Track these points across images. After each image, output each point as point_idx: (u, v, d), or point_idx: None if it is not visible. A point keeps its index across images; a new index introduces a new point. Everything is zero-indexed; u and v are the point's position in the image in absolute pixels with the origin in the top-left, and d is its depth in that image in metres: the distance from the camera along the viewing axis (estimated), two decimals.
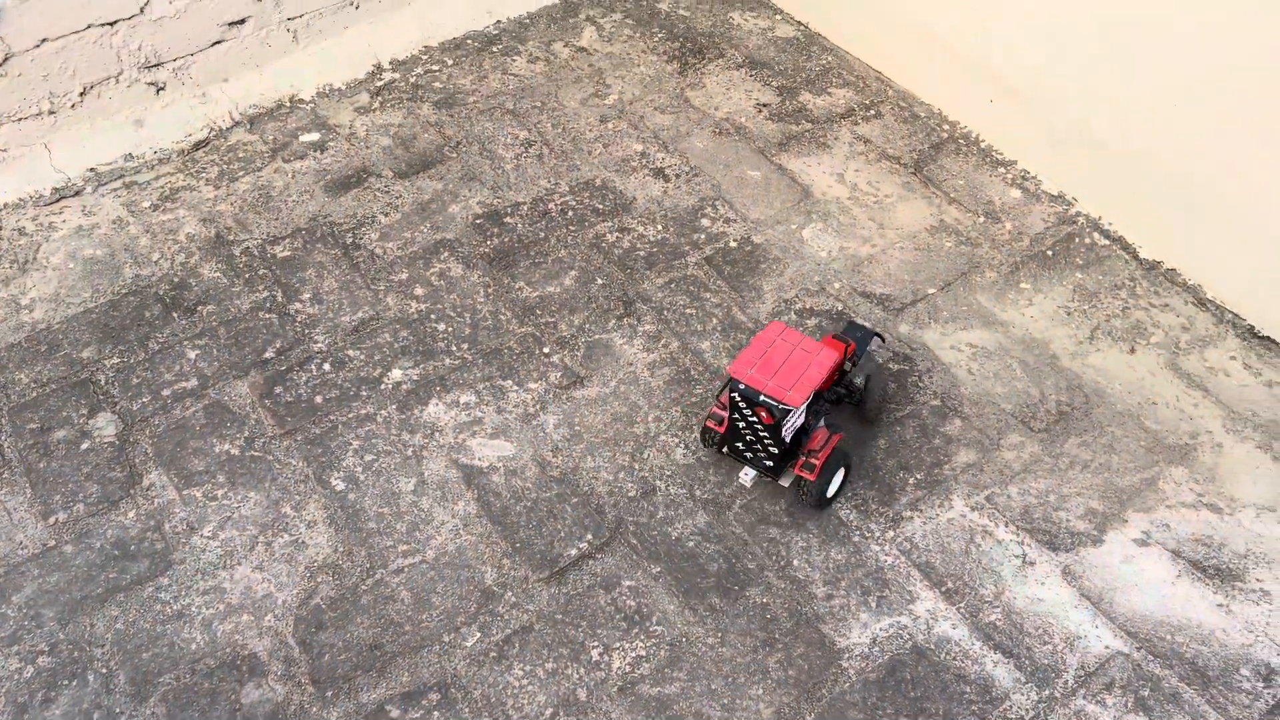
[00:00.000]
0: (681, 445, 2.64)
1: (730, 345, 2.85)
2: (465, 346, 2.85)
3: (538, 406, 2.72)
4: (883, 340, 2.69)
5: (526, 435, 2.66)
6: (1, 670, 2.23)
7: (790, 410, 2.26)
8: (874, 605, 2.35)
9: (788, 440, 2.34)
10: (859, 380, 2.54)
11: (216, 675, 2.24)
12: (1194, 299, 2.95)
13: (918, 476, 2.57)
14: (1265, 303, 2.83)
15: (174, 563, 2.41)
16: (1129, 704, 2.18)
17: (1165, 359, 2.81)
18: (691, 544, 2.46)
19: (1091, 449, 2.62)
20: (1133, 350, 2.83)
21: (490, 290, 2.99)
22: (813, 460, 2.35)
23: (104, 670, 2.24)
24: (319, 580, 2.39)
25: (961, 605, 2.34)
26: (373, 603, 2.35)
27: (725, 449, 2.47)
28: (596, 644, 2.29)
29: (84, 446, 2.62)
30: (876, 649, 2.27)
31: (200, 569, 2.40)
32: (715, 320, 2.92)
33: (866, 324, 2.82)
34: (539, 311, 2.94)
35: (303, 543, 2.45)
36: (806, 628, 2.31)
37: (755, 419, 2.31)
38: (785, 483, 2.46)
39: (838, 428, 2.48)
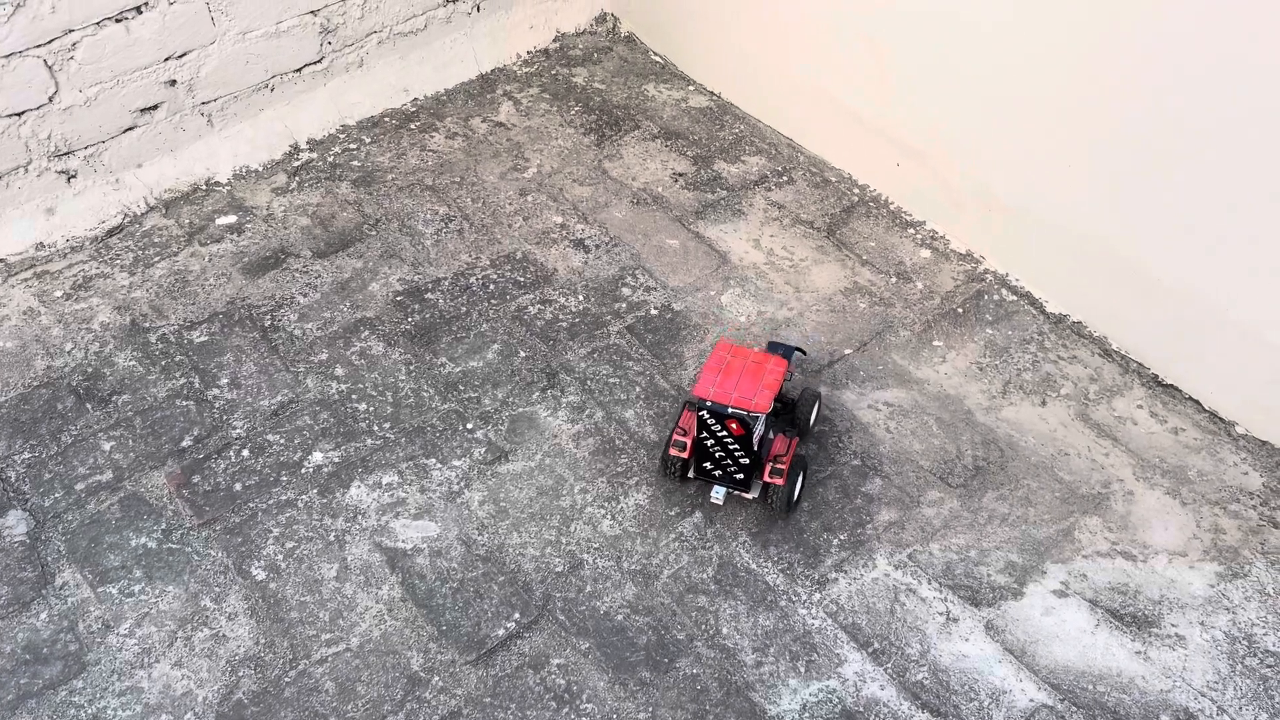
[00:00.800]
0: (608, 516, 2.64)
1: (654, 413, 2.87)
2: (387, 425, 2.83)
3: (462, 484, 2.71)
4: (804, 354, 2.86)
5: (451, 514, 2.65)
6: None
7: (760, 416, 2.40)
8: (803, 670, 2.36)
9: (757, 448, 2.47)
10: (794, 395, 2.74)
11: None
12: (1100, 350, 3.04)
13: (841, 537, 2.60)
14: (1167, 352, 2.93)
15: (89, 664, 2.34)
16: None
17: (1075, 410, 2.89)
18: (620, 617, 2.45)
19: (1008, 502, 2.67)
20: (1044, 403, 2.90)
21: (412, 367, 2.98)
22: (779, 465, 2.48)
23: None
24: (241, 674, 2.34)
25: (889, 665, 2.36)
26: (296, 695, 2.31)
27: (692, 474, 2.59)
28: None
29: None
30: (807, 715, 2.28)
31: (116, 669, 2.34)
32: (639, 388, 2.94)
33: (787, 341, 3.01)
34: (462, 387, 2.94)
35: (223, 636, 2.40)
36: (737, 697, 2.31)
37: (725, 433, 2.44)
38: (754, 494, 2.57)
39: (793, 433, 2.64)
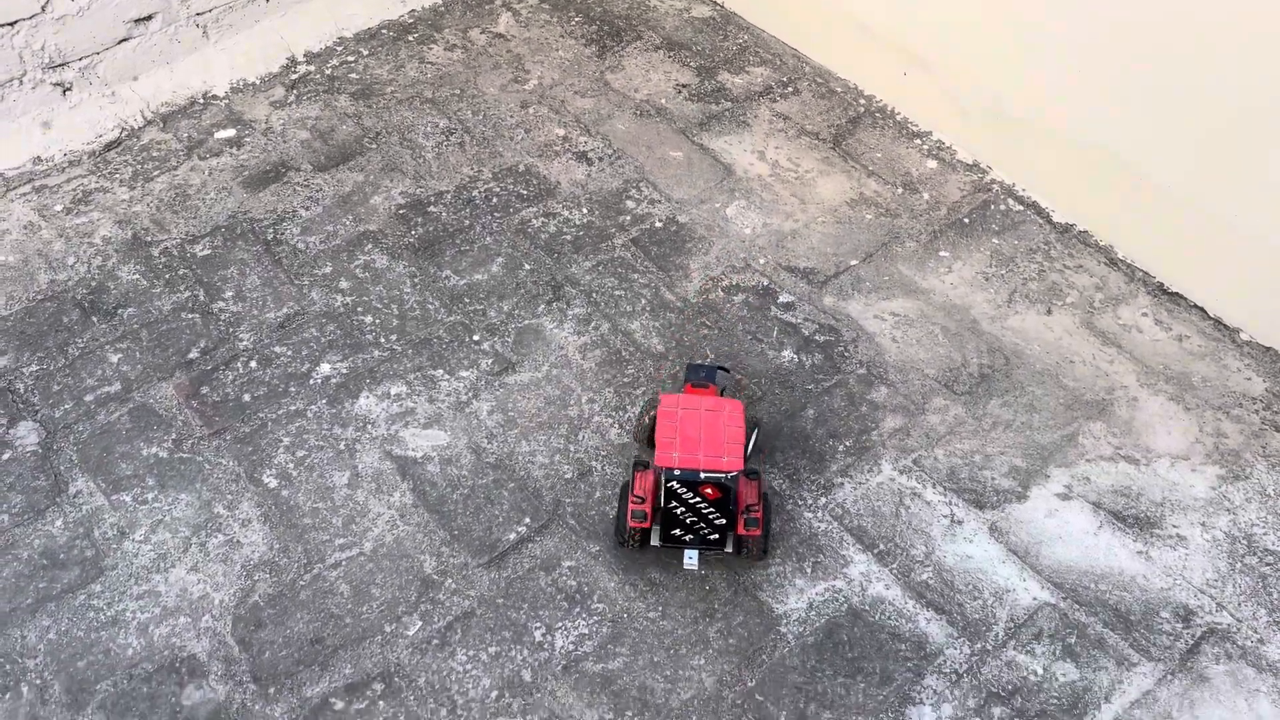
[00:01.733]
0: (615, 425, 2.66)
1: (660, 324, 2.87)
2: (394, 338, 2.84)
3: (470, 394, 2.72)
4: (727, 371, 2.56)
5: (460, 423, 2.66)
6: None
7: (736, 475, 2.20)
8: (809, 571, 2.39)
9: (733, 507, 2.25)
10: None
11: (155, 679, 2.21)
12: (1106, 259, 3.04)
13: (846, 444, 2.62)
14: (1173, 260, 2.93)
15: (105, 569, 2.37)
16: (1057, 651, 2.25)
17: (1081, 318, 2.90)
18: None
19: (1013, 409, 2.69)
20: (1049, 311, 2.91)
21: (417, 280, 2.97)
22: (754, 514, 2.25)
23: (38, 681, 2.20)
24: (256, 578, 2.37)
25: (894, 566, 2.40)
26: (312, 598, 2.34)
27: (657, 541, 2.33)
28: (539, 625, 2.31)
29: (5, 457, 2.56)
30: (813, 613, 2.32)
31: (133, 573, 2.37)
32: (644, 300, 2.94)
33: (705, 361, 2.73)
34: (467, 299, 2.93)
35: (238, 542, 2.43)
36: (745, 597, 2.35)
37: (700, 499, 2.22)
38: (729, 548, 2.33)
39: (756, 472, 2.32)
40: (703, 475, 2.18)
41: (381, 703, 2.18)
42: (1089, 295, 2.95)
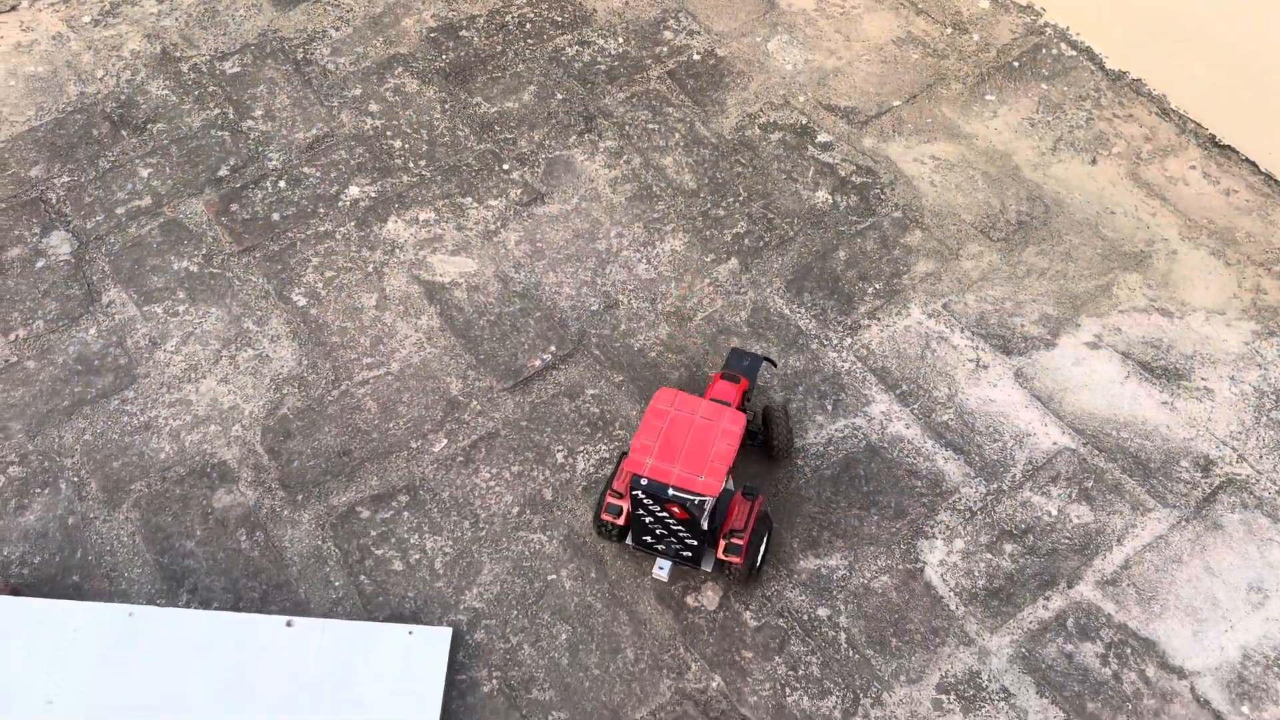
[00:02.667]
0: (644, 260, 2.64)
1: (693, 160, 2.82)
2: (423, 163, 2.80)
3: (498, 223, 2.70)
4: (774, 365, 2.34)
5: (488, 252, 2.65)
6: None
7: (707, 500, 1.90)
8: (830, 409, 2.40)
9: (706, 526, 1.98)
10: (757, 418, 2.28)
11: (187, 482, 2.28)
12: (1158, 109, 2.93)
13: (876, 286, 2.60)
14: (1227, 112, 2.82)
15: (138, 376, 2.42)
16: (1073, 495, 2.27)
17: (1126, 169, 2.81)
18: (654, 355, 2.49)
19: (1049, 257, 2.65)
20: (1094, 161, 2.83)
21: (447, 106, 2.92)
22: (736, 541, 1.98)
23: (75, 479, 2.27)
24: (285, 392, 2.41)
25: (915, 407, 2.40)
26: (339, 412, 2.38)
27: (630, 543, 2.09)
28: (561, 448, 2.34)
29: (39, 265, 2.58)
30: (831, 448, 2.34)
31: (165, 382, 2.42)
32: (678, 135, 2.88)
33: (754, 350, 2.42)
34: (498, 127, 2.88)
35: (267, 356, 2.46)
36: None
37: (667, 515, 1.96)
38: (708, 567, 2.08)
39: (755, 491, 2.05)
40: (670, 492, 1.89)
41: (406, 513, 2.24)
42: (1136, 146, 2.86)
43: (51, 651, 1.97)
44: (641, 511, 1.97)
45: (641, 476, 1.90)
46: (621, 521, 2.04)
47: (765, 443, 2.26)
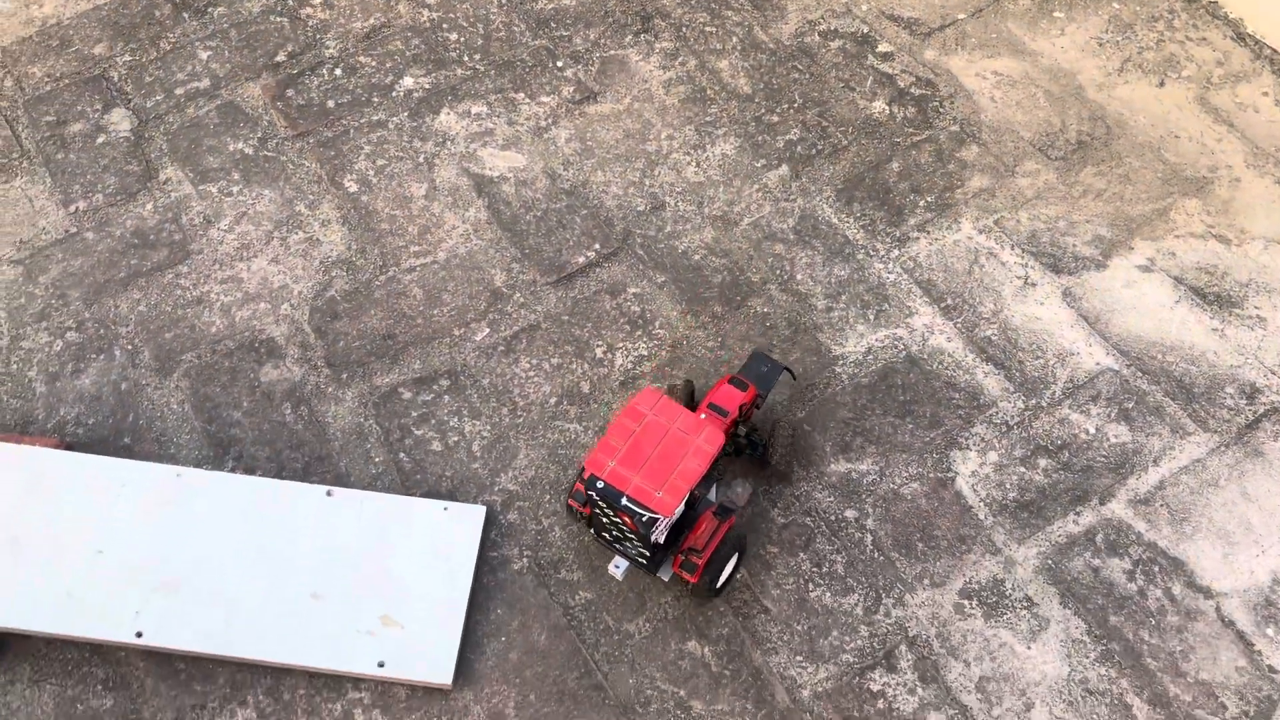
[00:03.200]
0: (693, 164, 2.63)
1: (749, 65, 2.78)
2: (477, 57, 2.80)
3: (549, 120, 2.70)
4: (794, 377, 2.24)
5: (538, 148, 2.66)
6: (32, 343, 2.34)
7: (660, 519, 1.81)
8: (872, 318, 2.39)
9: (661, 542, 1.91)
10: (765, 427, 2.17)
11: (236, 355, 2.33)
12: (1233, 33, 2.84)
13: (928, 199, 2.56)
14: None
15: (192, 252, 2.47)
16: (1112, 414, 2.25)
17: (1195, 93, 2.73)
18: (697, 257, 2.49)
19: (1107, 178, 2.59)
20: (1162, 84, 2.75)
21: (504, 1, 2.90)
22: (694, 559, 1.89)
23: (129, 347, 2.34)
24: (333, 275, 2.45)
25: (958, 321, 2.39)
26: (386, 297, 2.42)
27: (596, 535, 2.00)
28: (601, 343, 2.37)
29: (100, 141, 2.63)
30: (870, 357, 2.34)
31: (218, 259, 2.47)
32: (735, 39, 2.84)
33: (775, 358, 2.27)
34: (553, 24, 2.86)
35: (317, 240, 2.50)
36: (804, 336, 2.37)
37: (619, 520, 1.87)
38: (665, 576, 1.98)
39: (729, 511, 1.95)
40: (623, 501, 1.80)
41: (447, 397, 2.28)
42: (1208, 70, 2.77)
43: (102, 505, 2.05)
44: (598, 511, 1.89)
45: (598, 478, 1.81)
46: (587, 512, 1.93)
47: (764, 456, 2.12)
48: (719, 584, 1.99)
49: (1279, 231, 2.50)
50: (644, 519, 1.80)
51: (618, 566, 1.99)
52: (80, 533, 2.02)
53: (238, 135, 2.65)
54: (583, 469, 1.92)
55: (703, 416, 1.98)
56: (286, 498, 2.08)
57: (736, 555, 2.00)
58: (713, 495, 2.08)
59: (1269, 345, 2.33)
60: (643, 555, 1.93)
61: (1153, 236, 2.50)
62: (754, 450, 2.12)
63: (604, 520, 1.90)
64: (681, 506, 1.85)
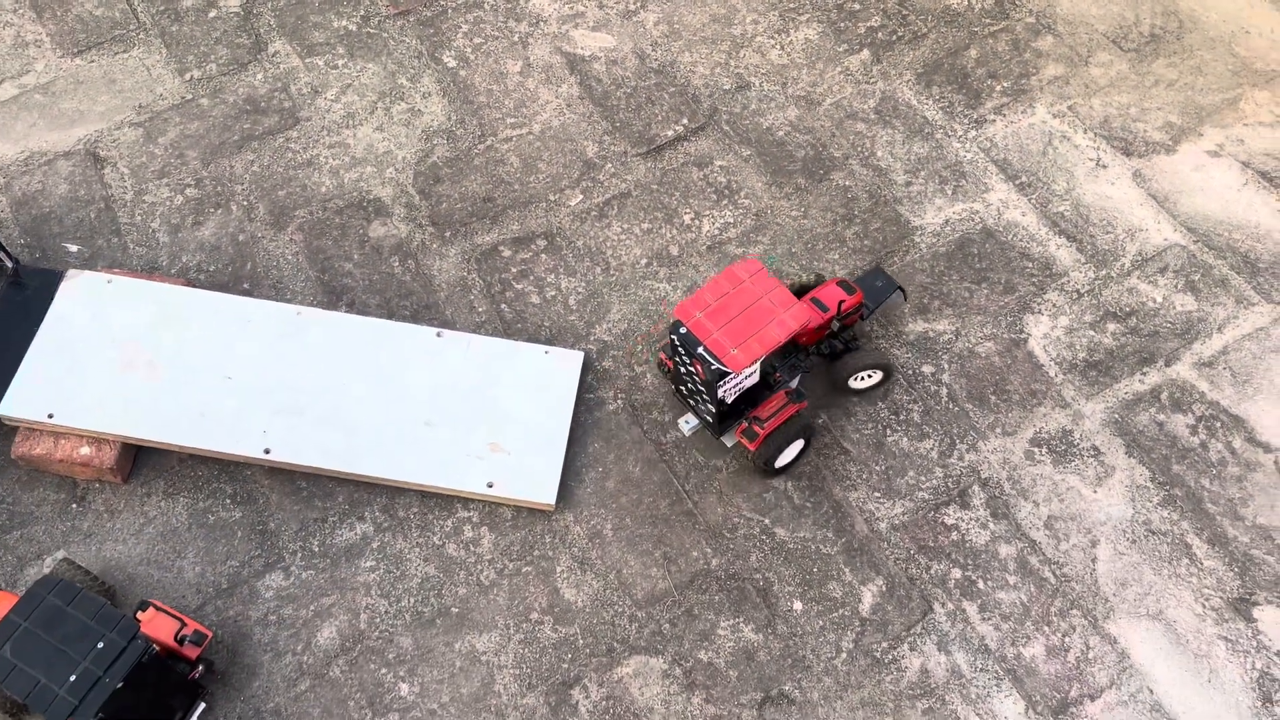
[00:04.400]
0: (777, 47, 2.73)
1: None
2: None
3: (639, 4, 2.81)
4: (904, 297, 2.23)
5: (627, 30, 2.76)
6: (154, 198, 2.49)
7: (728, 374, 1.86)
8: (949, 193, 2.50)
9: (728, 402, 1.95)
10: (849, 335, 2.17)
11: (346, 213, 2.48)
12: None
13: (1005, 85, 2.66)
14: None
15: (301, 119, 2.61)
16: (1179, 285, 2.36)
17: None
18: (781, 133, 2.60)
19: (1178, 69, 2.67)
20: None
21: None
22: (756, 428, 1.96)
23: (245, 203, 2.48)
24: (434, 143, 2.58)
25: (1033, 197, 2.49)
26: (485, 164, 2.55)
27: (676, 388, 2.06)
28: (689, 210, 2.49)
29: (212, 15, 2.76)
30: (948, 228, 2.45)
31: (326, 126, 2.60)
32: None
33: (892, 277, 2.28)
34: None
35: (419, 110, 2.63)
36: (884, 208, 2.48)
37: (693, 369, 1.90)
38: (729, 442, 2.05)
39: (802, 395, 2.03)
40: (699, 350, 1.85)
41: (544, 255, 2.42)
42: None
43: (229, 336, 2.20)
44: (677, 358, 1.96)
45: (683, 325, 1.87)
46: (670, 366, 2.02)
47: (839, 357, 2.13)
48: (777, 463, 2.06)
49: None
50: (715, 369, 1.86)
51: (688, 422, 2.09)
52: (210, 360, 2.17)
53: (341, 13, 2.77)
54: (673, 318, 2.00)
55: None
56: (399, 336, 2.23)
57: (802, 443, 2.07)
58: (795, 384, 2.12)
59: None
60: (709, 413, 2.01)
61: (1222, 124, 2.58)
62: (832, 355, 2.13)
63: (682, 371, 1.98)
64: (755, 370, 1.92)
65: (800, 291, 2.18)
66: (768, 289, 1.93)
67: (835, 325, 2.14)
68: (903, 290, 2.22)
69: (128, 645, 1.69)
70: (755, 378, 1.97)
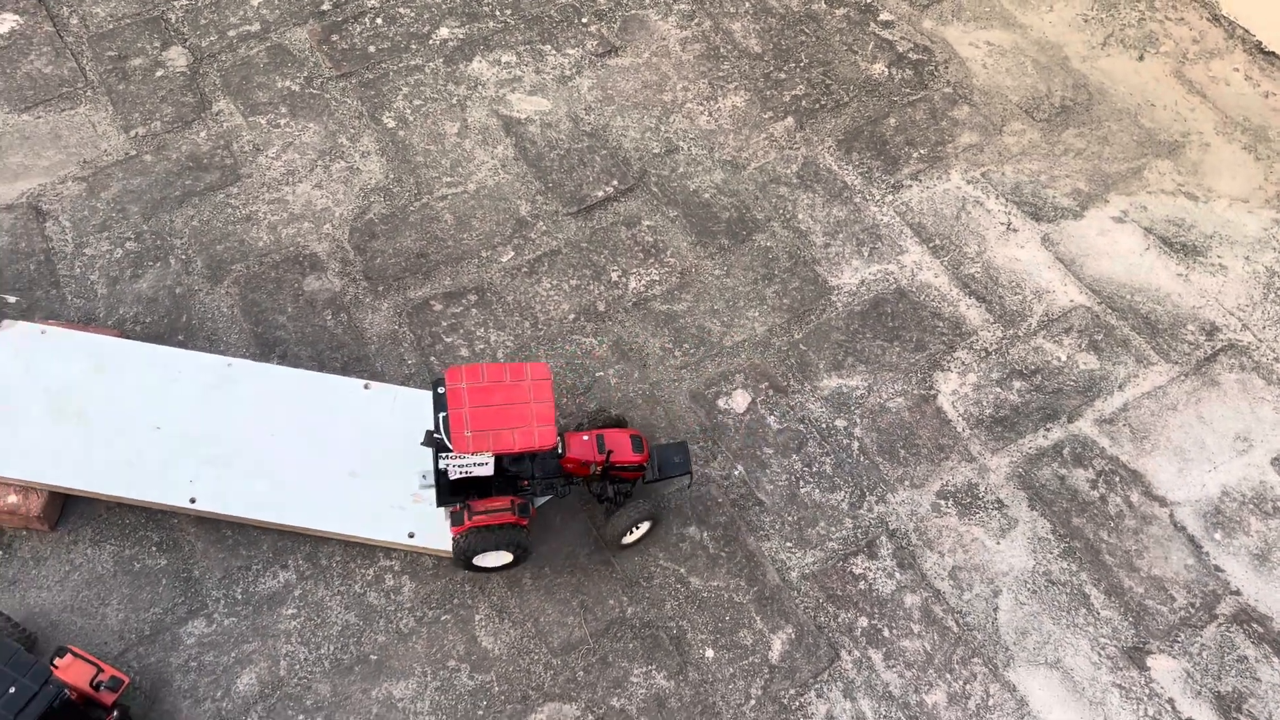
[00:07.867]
0: (706, 113, 2.84)
1: (760, 28, 3.00)
2: (509, 12, 3.02)
3: (574, 70, 2.92)
4: (690, 482, 2.18)
5: (562, 94, 2.87)
6: (94, 251, 2.54)
7: (447, 450, 1.91)
8: (866, 255, 2.61)
9: (448, 475, 1.98)
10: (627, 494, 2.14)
11: (282, 267, 2.54)
12: (1209, 14, 3.06)
13: (921, 152, 2.78)
14: (1277, 20, 2.94)
15: (242, 176, 2.68)
16: (1083, 345, 2.46)
17: (1172, 67, 2.95)
18: (707, 195, 2.70)
19: (1086, 139, 2.81)
20: (1141, 58, 2.97)
21: None
22: (466, 516, 2.00)
23: (183, 256, 2.55)
24: (372, 200, 2.66)
25: (945, 259, 2.60)
26: (420, 221, 2.63)
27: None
28: (616, 268, 2.57)
29: (159, 74, 2.85)
30: (864, 288, 2.55)
31: (265, 183, 2.67)
32: (748, 4, 3.06)
33: (691, 459, 2.17)
34: None
35: (357, 169, 2.71)
36: (803, 268, 2.58)
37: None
38: (439, 507, 2.06)
39: (526, 511, 2.04)
40: (441, 415, 1.94)
41: (474, 310, 2.49)
42: (1184, 46, 2.99)
43: (160, 387, 2.25)
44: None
45: (443, 385, 1.93)
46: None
47: (606, 509, 2.12)
48: (473, 560, 2.06)
49: (1244, 191, 2.71)
50: (435, 438, 1.92)
51: (425, 477, 2.08)
52: (140, 411, 2.22)
53: (285, 74, 2.86)
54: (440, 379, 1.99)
55: (585, 438, 2.04)
56: (328, 388, 2.29)
57: (512, 555, 2.07)
58: (535, 502, 2.13)
59: (1229, 290, 2.55)
60: (436, 477, 2.03)
61: (1127, 191, 2.71)
62: (601, 501, 2.13)
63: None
64: (488, 463, 1.92)
65: (606, 424, 2.14)
66: (539, 398, 1.92)
67: (595, 470, 2.07)
68: (690, 475, 2.13)
69: (39, 691, 1.72)
70: (489, 470, 1.95)
